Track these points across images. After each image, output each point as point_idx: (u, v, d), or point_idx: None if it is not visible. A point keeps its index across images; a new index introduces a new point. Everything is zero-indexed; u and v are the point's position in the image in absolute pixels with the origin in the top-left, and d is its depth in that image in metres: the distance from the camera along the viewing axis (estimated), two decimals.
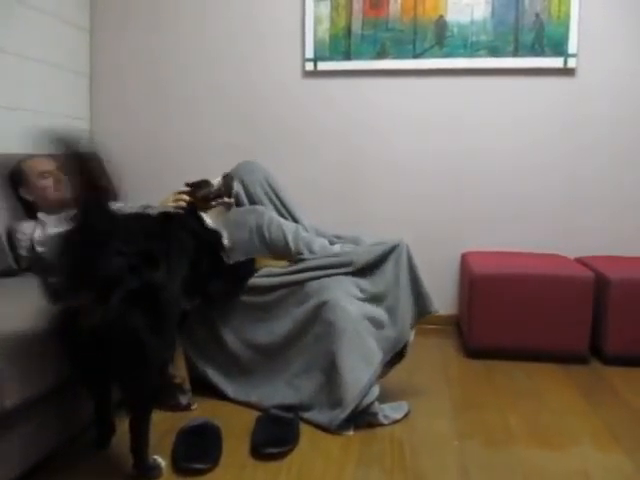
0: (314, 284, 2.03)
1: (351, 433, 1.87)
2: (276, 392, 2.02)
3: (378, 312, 2.04)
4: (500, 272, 2.59)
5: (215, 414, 1.97)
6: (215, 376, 2.12)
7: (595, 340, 2.60)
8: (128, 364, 1.49)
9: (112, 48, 3.22)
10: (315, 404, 1.95)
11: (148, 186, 2.82)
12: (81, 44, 3.17)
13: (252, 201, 2.32)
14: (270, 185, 2.35)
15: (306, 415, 1.94)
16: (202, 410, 2.02)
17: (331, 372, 1.94)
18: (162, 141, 3.24)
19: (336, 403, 1.90)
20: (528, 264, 2.66)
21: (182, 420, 1.86)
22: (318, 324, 1.99)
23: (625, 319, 2.52)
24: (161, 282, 1.53)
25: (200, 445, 1.71)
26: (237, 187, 2.27)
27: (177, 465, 1.64)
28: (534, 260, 2.74)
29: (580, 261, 2.84)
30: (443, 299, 3.06)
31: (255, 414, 1.94)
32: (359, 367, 1.92)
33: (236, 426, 1.89)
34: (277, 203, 2.33)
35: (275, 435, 1.77)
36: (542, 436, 1.88)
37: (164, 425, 1.88)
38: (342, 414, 1.87)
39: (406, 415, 1.99)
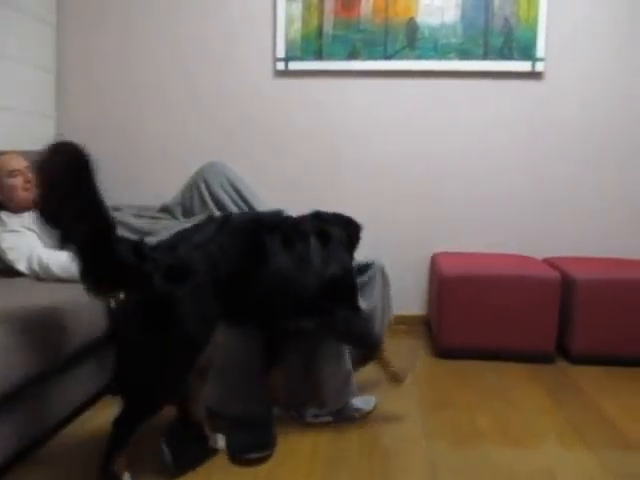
0: None
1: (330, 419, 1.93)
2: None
3: None
4: (469, 273, 2.61)
5: None
6: None
7: (562, 340, 2.64)
8: (125, 366, 1.49)
9: (79, 44, 3.16)
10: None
11: (116, 184, 2.78)
12: (48, 40, 3.10)
13: (215, 201, 2.28)
14: (232, 185, 2.31)
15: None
16: (172, 410, 1.99)
17: (311, 375, 1.94)
18: (130, 139, 3.19)
19: (318, 404, 1.94)
20: (496, 265, 2.69)
21: None
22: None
23: (591, 319, 2.57)
24: (178, 297, 1.43)
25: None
26: (202, 188, 2.25)
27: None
28: (502, 261, 2.77)
29: (548, 262, 2.88)
30: (413, 299, 3.08)
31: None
32: (338, 372, 1.94)
33: None
34: (240, 203, 2.30)
35: (253, 439, 1.75)
36: (509, 435, 1.90)
37: None
38: (325, 415, 1.94)
39: (375, 407, 2.03)
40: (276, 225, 1.74)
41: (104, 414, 1.95)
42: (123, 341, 1.49)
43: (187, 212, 2.31)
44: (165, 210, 2.39)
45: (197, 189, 2.30)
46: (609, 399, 2.21)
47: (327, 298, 1.77)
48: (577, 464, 1.72)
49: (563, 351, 2.67)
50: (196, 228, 1.63)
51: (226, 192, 2.29)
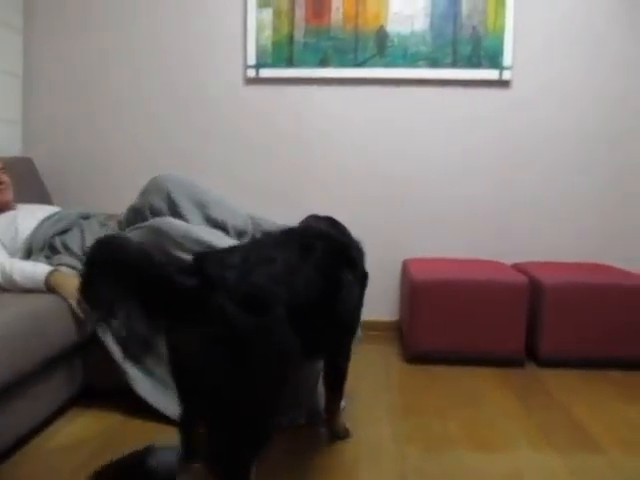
0: None
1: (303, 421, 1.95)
2: None
3: None
4: (439, 278, 2.64)
5: (156, 430, 1.92)
6: None
7: (531, 343, 2.68)
8: (206, 407, 1.29)
9: (47, 49, 3.12)
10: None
11: (84, 189, 2.74)
12: (14, 44, 3.05)
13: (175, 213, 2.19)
14: (195, 197, 2.22)
15: None
16: (141, 423, 1.97)
17: None
18: (100, 145, 3.15)
19: (296, 406, 1.94)
20: (465, 270, 2.72)
21: None
22: None
23: (559, 323, 2.61)
24: (260, 330, 1.24)
25: None
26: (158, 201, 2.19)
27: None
28: (472, 266, 2.80)
29: (516, 267, 2.92)
30: (385, 305, 3.10)
31: None
32: (311, 372, 1.93)
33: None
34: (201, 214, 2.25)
35: None
36: (480, 439, 1.91)
37: None
38: (300, 417, 1.96)
39: (343, 409, 2.00)
40: (345, 249, 1.69)
41: (73, 426, 1.93)
42: (196, 381, 1.26)
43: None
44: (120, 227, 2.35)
45: (149, 207, 2.21)
46: (577, 402, 2.24)
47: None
48: (545, 467, 1.74)
49: (532, 355, 2.70)
50: (258, 246, 1.51)
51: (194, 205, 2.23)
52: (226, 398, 1.23)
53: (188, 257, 1.86)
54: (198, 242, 1.95)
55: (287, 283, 1.35)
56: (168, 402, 1.98)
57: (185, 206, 2.18)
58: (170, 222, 2.03)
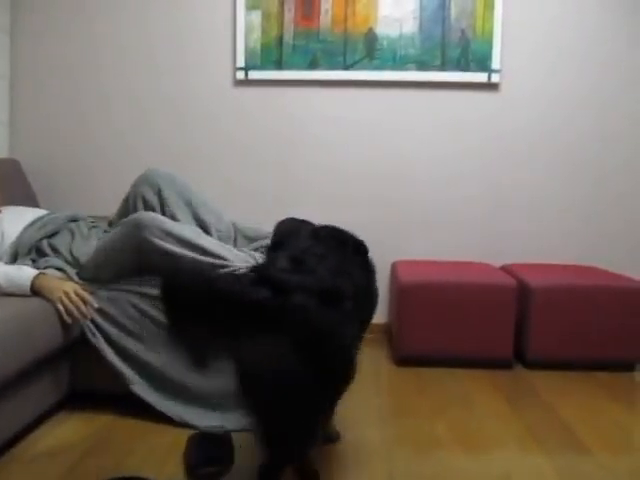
0: None
1: None
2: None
3: None
4: (427, 280, 2.64)
5: (144, 432, 1.91)
6: None
7: (519, 345, 2.69)
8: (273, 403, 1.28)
9: (34, 50, 3.09)
10: None
11: (68, 191, 2.72)
12: (1, 45, 3.03)
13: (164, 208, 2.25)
14: (182, 194, 2.28)
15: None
16: (127, 427, 1.95)
17: None
18: (87, 146, 3.13)
19: None
20: (454, 273, 2.73)
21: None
22: None
23: (546, 325, 2.63)
24: (337, 323, 1.26)
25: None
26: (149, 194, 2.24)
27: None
28: (460, 269, 2.81)
29: (505, 269, 2.93)
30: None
31: (183, 432, 1.89)
32: None
33: (162, 444, 1.83)
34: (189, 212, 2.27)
35: (211, 454, 1.71)
36: (468, 441, 1.92)
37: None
38: None
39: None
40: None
41: (59, 430, 1.91)
42: (275, 387, 1.24)
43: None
44: (111, 225, 2.36)
45: (142, 197, 2.27)
46: (565, 403, 2.25)
47: None
48: (533, 468, 1.74)
49: (520, 357, 2.71)
50: (296, 247, 1.50)
51: (184, 203, 2.26)
52: (301, 399, 1.23)
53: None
54: (179, 239, 1.97)
55: (346, 275, 1.38)
56: (165, 401, 1.99)
57: (175, 203, 2.24)
58: (153, 217, 2.03)
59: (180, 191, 2.27)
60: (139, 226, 1.99)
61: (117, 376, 1.99)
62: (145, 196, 2.26)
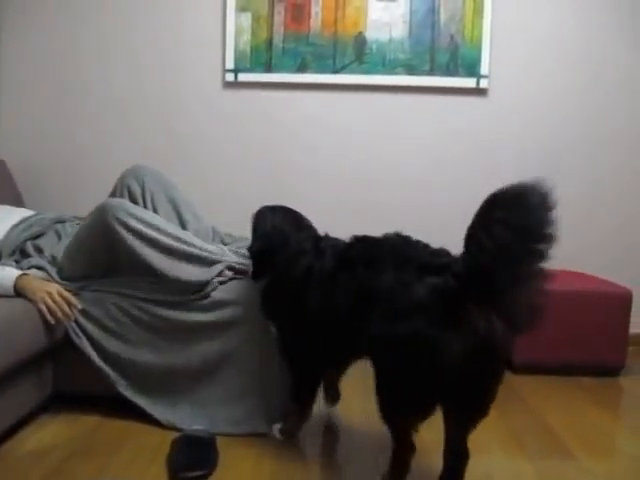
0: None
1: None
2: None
3: None
4: None
5: (129, 434, 1.90)
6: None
7: None
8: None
9: (18, 49, 3.08)
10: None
11: (54, 191, 2.71)
12: None
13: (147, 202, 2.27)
14: (166, 193, 2.30)
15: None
16: (112, 429, 1.94)
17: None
18: (74, 147, 3.12)
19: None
20: None
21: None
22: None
23: (533, 330, 2.63)
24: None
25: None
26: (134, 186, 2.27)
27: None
28: None
29: None
30: None
31: (168, 434, 1.88)
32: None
33: (147, 446, 1.83)
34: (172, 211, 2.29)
35: (195, 457, 1.71)
36: None
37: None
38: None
39: None
40: None
41: (42, 432, 1.90)
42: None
43: None
44: None
45: (127, 188, 2.28)
46: (550, 408, 2.26)
47: None
48: (516, 472, 1.75)
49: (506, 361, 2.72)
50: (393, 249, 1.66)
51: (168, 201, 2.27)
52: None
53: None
54: (149, 223, 1.97)
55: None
56: (151, 403, 1.99)
57: (158, 198, 2.27)
58: (121, 201, 2.04)
59: (165, 188, 2.29)
60: (105, 209, 1.96)
61: (103, 378, 1.98)
62: (130, 187, 2.27)
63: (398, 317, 1.42)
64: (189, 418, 1.94)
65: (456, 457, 1.56)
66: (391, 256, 1.58)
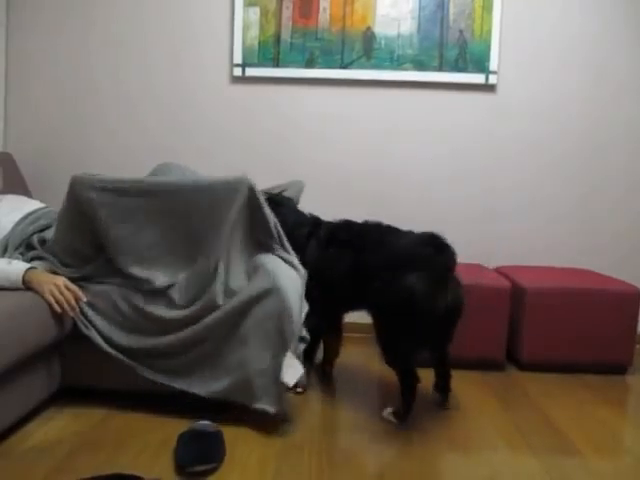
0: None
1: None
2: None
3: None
4: None
5: (136, 428, 1.91)
6: None
7: (512, 347, 2.69)
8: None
9: (30, 45, 3.08)
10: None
11: (63, 186, 2.70)
12: None
13: None
14: None
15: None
16: (118, 423, 1.95)
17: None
18: (85, 140, 3.13)
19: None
20: None
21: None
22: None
23: (539, 327, 2.63)
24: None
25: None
26: None
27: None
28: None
29: (499, 271, 2.93)
30: None
31: (174, 428, 1.88)
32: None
33: (153, 441, 1.83)
34: None
35: (201, 451, 1.71)
36: (458, 442, 1.92)
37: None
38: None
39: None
40: None
41: (49, 426, 1.91)
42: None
43: None
44: None
45: None
46: (556, 405, 2.26)
47: None
48: (522, 469, 1.74)
49: (513, 358, 2.72)
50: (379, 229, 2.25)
51: None
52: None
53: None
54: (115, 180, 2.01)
55: None
56: (175, 377, 1.99)
57: None
58: (83, 173, 2.04)
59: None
60: (70, 183, 1.98)
61: (124, 368, 1.99)
62: None
63: (398, 280, 1.98)
64: (206, 383, 1.96)
65: (442, 365, 2.22)
66: (393, 232, 2.24)
